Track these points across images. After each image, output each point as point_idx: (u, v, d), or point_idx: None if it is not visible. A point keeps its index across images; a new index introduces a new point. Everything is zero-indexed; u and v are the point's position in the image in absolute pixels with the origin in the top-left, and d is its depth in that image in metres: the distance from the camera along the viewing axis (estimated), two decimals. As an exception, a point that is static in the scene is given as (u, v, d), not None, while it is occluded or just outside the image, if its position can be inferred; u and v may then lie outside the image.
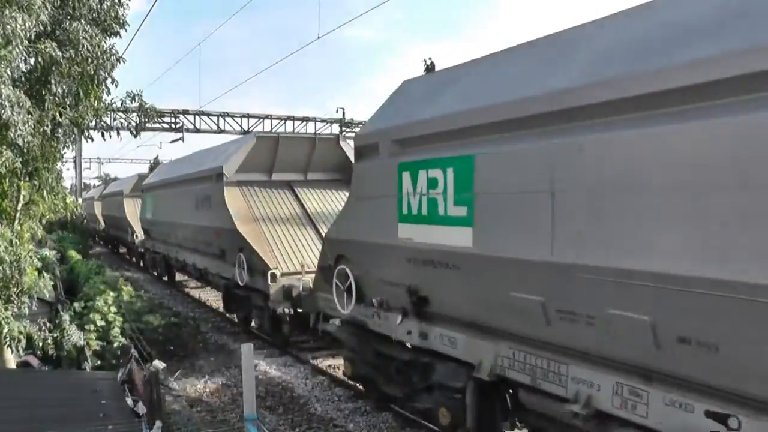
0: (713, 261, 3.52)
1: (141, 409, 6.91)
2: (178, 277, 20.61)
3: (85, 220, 36.37)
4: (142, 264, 24.78)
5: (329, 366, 10.32)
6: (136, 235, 23.43)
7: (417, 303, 6.27)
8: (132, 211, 24.55)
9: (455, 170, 5.52)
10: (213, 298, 18.39)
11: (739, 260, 3.38)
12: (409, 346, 6.74)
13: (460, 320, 5.82)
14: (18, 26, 5.77)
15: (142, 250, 23.27)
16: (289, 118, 40.36)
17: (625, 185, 4.02)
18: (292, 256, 10.97)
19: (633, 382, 4.15)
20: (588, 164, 4.26)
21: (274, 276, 10.39)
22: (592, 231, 4.23)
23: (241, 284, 11.64)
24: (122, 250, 31.51)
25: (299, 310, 10.30)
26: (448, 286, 5.84)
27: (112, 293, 11.85)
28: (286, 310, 10.43)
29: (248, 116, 39.47)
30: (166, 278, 20.63)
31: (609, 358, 4.30)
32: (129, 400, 6.99)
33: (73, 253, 21.24)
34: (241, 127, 38.94)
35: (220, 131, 38.58)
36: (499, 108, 5.14)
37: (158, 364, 7.05)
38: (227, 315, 14.21)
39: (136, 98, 9.48)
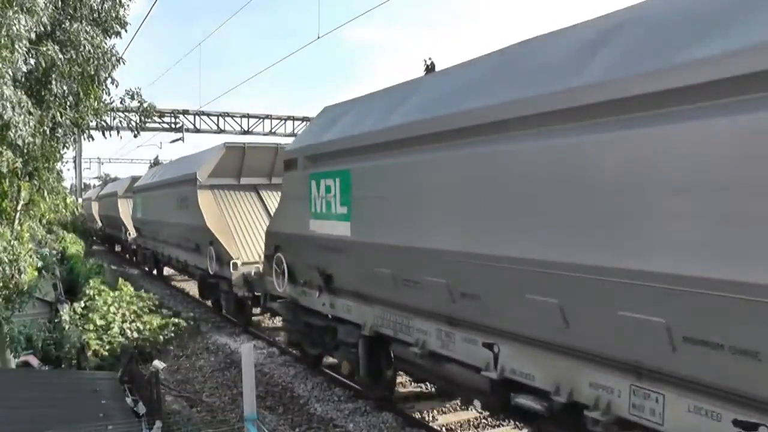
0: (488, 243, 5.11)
1: (141, 409, 6.91)
2: (166, 271, 22.21)
3: (85, 220, 36.44)
4: (135, 260, 26.37)
5: (329, 366, 10.33)
6: (129, 233, 25.06)
7: (326, 280, 8.10)
8: (125, 210, 26.04)
9: (340, 180, 7.48)
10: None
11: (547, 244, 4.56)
12: (324, 314, 8.52)
13: (352, 292, 7.64)
14: (22, 28, 5.79)
15: (134, 247, 25.05)
16: (289, 118, 40.28)
17: (426, 191, 5.95)
18: (252, 248, 12.78)
19: (442, 325, 6.03)
20: (404, 179, 6.33)
21: (235, 265, 12.33)
22: (412, 222, 6.16)
23: (211, 273, 13.65)
24: (117, 248, 32.72)
25: (257, 294, 11.87)
26: (341, 266, 7.75)
27: (112, 293, 11.86)
28: (246, 294, 12.33)
29: (248, 116, 39.37)
30: (155, 272, 22.34)
31: (433, 312, 6.11)
32: (129, 400, 7.00)
33: (71, 245, 21.19)
34: (241, 127, 38.89)
35: (220, 131, 38.52)
36: (364, 136, 7.10)
37: (158, 364, 7.06)
38: (201, 300, 16.37)
39: (136, 97, 9.48)
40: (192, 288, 18.59)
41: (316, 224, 8.05)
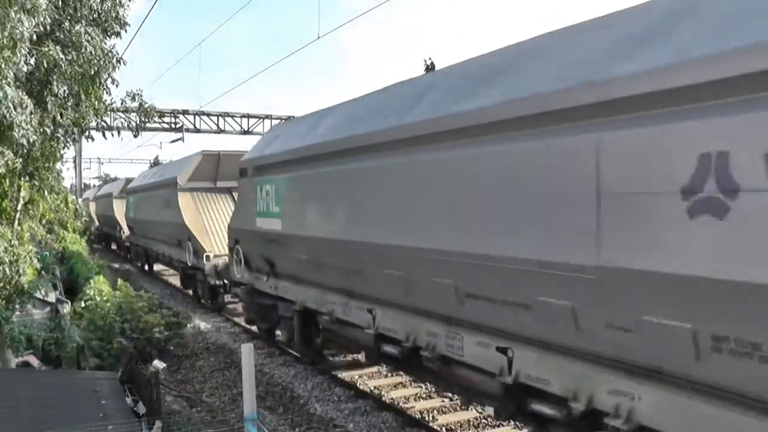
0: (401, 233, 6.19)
1: (141, 409, 6.91)
2: (156, 267, 23.64)
3: (85, 220, 36.38)
4: (129, 257, 28.06)
5: (329, 366, 10.33)
6: (123, 232, 26.88)
7: (270, 267, 9.89)
8: (120, 210, 27.67)
9: (275, 186, 9.40)
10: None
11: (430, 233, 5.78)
12: (271, 295, 10.16)
13: (288, 275, 9.40)
14: (25, 29, 5.79)
15: (128, 245, 26.99)
16: (289, 117, 40.30)
17: (328, 195, 7.80)
18: (224, 243, 13.87)
19: (343, 298, 7.68)
20: (314, 186, 8.16)
21: (208, 257, 14.35)
22: (319, 218, 8.11)
23: (189, 265, 15.71)
24: (113, 246, 34.28)
25: (226, 281, 14.02)
26: (279, 255, 9.50)
27: (112, 293, 11.87)
28: (217, 282, 14.54)
29: (248, 116, 39.33)
30: (146, 268, 23.87)
31: (337, 288, 7.81)
32: (129, 400, 7.00)
33: (73, 253, 21.25)
34: (241, 127, 38.87)
35: (220, 131, 38.49)
36: (287, 153, 9.14)
37: (158, 364, 7.06)
38: (183, 290, 18.29)
39: (136, 98, 9.49)
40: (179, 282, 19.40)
41: (261, 221, 9.90)
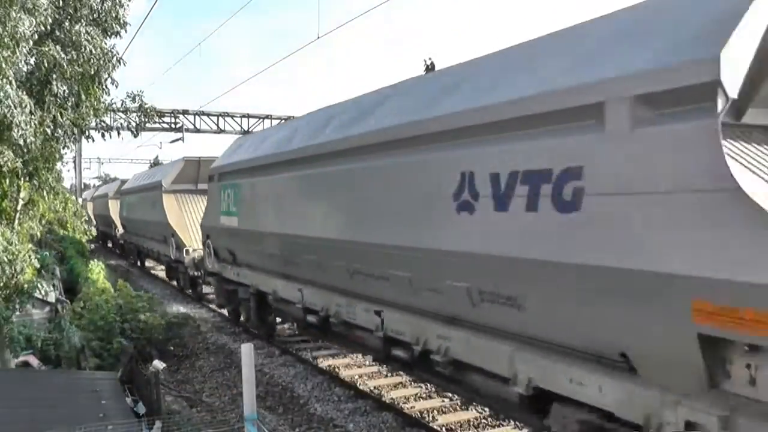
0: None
1: (141, 409, 6.92)
2: (148, 264, 25.64)
3: (85, 220, 36.41)
4: (122, 253, 30.28)
5: (329, 366, 10.34)
6: (117, 230, 28.72)
7: (233, 257, 11.94)
8: (114, 210, 29.33)
9: (234, 190, 11.19)
10: (212, 297, 18.41)
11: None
12: (234, 281, 12.21)
13: (246, 263, 11.45)
14: (26, 29, 5.78)
15: (122, 242, 28.95)
16: (289, 117, 40.29)
17: (269, 197, 9.76)
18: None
19: (281, 280, 9.76)
20: (258, 190, 10.19)
21: (188, 251, 15.99)
22: (261, 216, 10.00)
23: (173, 258, 17.54)
24: (110, 244, 36.17)
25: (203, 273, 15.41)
26: (238, 247, 11.53)
27: (112, 293, 11.86)
28: (196, 273, 16.07)
29: (248, 116, 39.32)
30: (138, 263, 25.83)
31: (277, 272, 9.88)
32: (129, 400, 7.00)
33: (73, 253, 21.27)
34: (241, 127, 38.83)
35: (220, 131, 38.46)
36: (240, 163, 11.12)
37: (158, 364, 7.07)
38: (169, 281, 20.45)
39: (137, 99, 9.47)
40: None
41: (224, 219, 11.81)
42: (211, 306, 16.28)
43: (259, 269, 10.80)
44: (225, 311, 14.32)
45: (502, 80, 5.34)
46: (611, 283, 3.99)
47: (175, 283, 19.84)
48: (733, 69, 3.50)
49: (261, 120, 39.60)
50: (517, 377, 5.03)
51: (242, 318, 12.87)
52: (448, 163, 5.43)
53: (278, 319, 11.93)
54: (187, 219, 17.35)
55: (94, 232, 18.37)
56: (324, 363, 10.50)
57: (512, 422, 7.72)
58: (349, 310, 7.64)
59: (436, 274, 5.77)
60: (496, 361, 5.31)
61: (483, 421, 7.80)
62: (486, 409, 8.16)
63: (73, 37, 7.12)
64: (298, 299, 9.00)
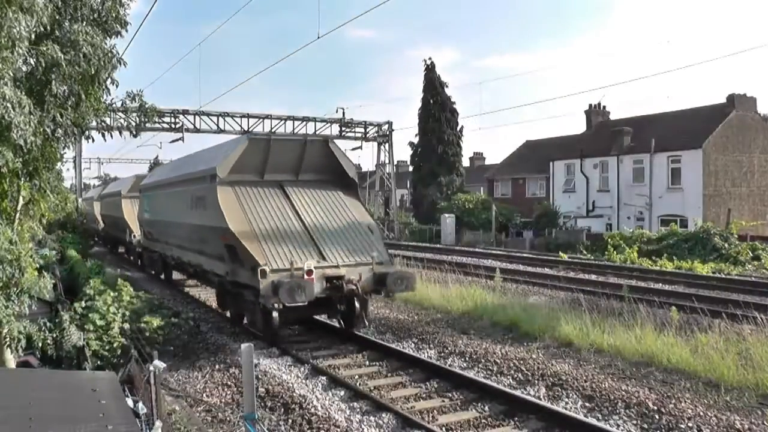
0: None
1: (141, 409, 6.91)
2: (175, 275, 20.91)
3: (85, 220, 36.01)
4: (140, 263, 25.36)
5: (329, 366, 10.33)
6: (134, 235, 24.18)
7: (152, 236, 20.08)
8: (130, 211, 25.16)
9: (148, 198, 20.31)
10: (213, 298, 18.40)
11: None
12: (155, 250, 20.57)
13: (156, 239, 19.95)
14: (22, 28, 5.77)
15: (140, 250, 24.07)
16: (289, 118, 40.28)
17: (151, 205, 20.28)
18: (283, 254, 11.21)
19: (167, 246, 18.94)
20: (149, 201, 20.56)
21: (263, 272, 10.47)
22: (151, 213, 19.91)
23: (230, 281, 13.62)
24: (120, 249, 31.42)
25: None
26: (152, 230, 20.26)
27: (112, 293, 11.86)
28: (280, 306, 11.19)
29: (248, 116, 39.33)
30: (162, 276, 21.32)
31: (164, 241, 18.99)
32: (129, 400, 6.99)
33: (73, 253, 21.31)
34: (241, 127, 38.84)
35: (220, 131, 38.46)
36: (150, 184, 20.80)
37: (158, 364, 7.05)
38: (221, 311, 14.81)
39: (137, 98, 9.46)
40: (205, 294, 18.79)
41: (146, 215, 20.29)
42: (214, 306, 16.19)
43: (160, 241, 19.25)
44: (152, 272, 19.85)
45: (185, 166, 15.91)
46: (208, 230, 12.57)
47: (231, 317, 13.83)
48: (222, 169, 12.22)
49: (261, 120, 39.60)
50: (193, 263, 15.45)
51: (154, 272, 22.44)
52: (184, 191, 14.51)
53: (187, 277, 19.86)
54: (255, 224, 11.67)
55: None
56: (324, 363, 10.50)
57: (512, 422, 7.73)
58: (182, 254, 16.58)
59: (185, 233, 15.00)
60: (196, 262, 14.94)
61: (483, 421, 7.80)
62: (486, 409, 8.17)
63: (72, 37, 7.11)
64: (172, 254, 17.74)
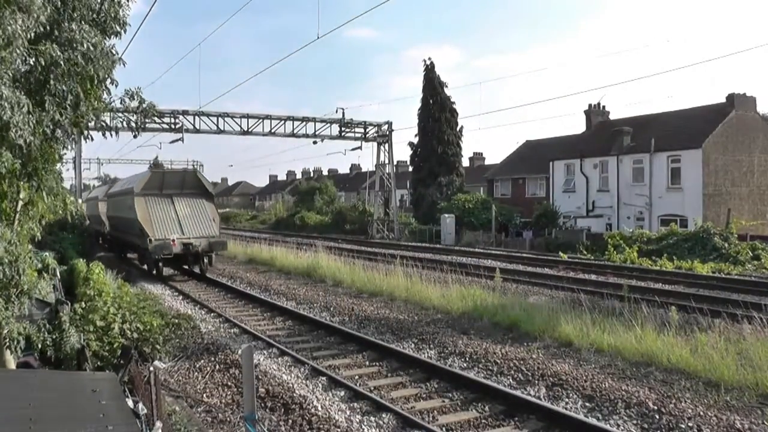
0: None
1: (141, 409, 6.90)
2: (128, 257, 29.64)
3: (88, 223, 35.84)
4: (109, 247, 33.42)
5: (329, 366, 10.33)
6: (105, 227, 32.14)
7: (108, 223, 30.97)
8: (103, 210, 32.80)
9: (106, 204, 31.45)
10: (213, 298, 18.41)
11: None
12: (106, 233, 32.03)
13: (113, 225, 29.69)
14: (19, 28, 5.75)
15: (109, 238, 32.46)
16: (288, 118, 40.18)
17: (109, 208, 31.66)
18: (163, 230, 21.93)
19: (117, 232, 30.22)
20: (108, 205, 31.41)
21: (151, 240, 21.39)
22: (112, 211, 30.01)
23: (142, 247, 22.77)
24: (100, 240, 36.10)
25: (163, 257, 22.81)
26: (110, 221, 30.33)
27: (112, 293, 11.85)
28: (158, 257, 21.86)
29: (248, 116, 39.24)
30: (122, 255, 29.64)
31: (121, 230, 28.72)
32: (129, 401, 6.98)
33: (74, 254, 21.31)
34: (241, 128, 38.78)
35: (220, 131, 38.41)
36: (93, 196, 38.57)
37: (158, 364, 7.05)
38: (140, 265, 25.88)
39: (135, 96, 9.41)
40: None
41: (105, 212, 31.00)
42: (209, 306, 16.47)
43: (109, 227, 29.14)
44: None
45: (120, 185, 29.33)
46: (132, 220, 22.37)
47: (145, 266, 24.19)
48: (137, 188, 22.82)
49: (260, 120, 39.52)
50: (127, 240, 26.64)
51: (109, 247, 32.00)
52: (122, 199, 24.63)
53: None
54: (152, 216, 22.12)
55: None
56: (324, 363, 10.50)
57: (512, 422, 7.73)
58: (122, 236, 26.41)
59: (120, 224, 26.22)
60: (128, 239, 25.57)
61: (483, 421, 7.79)
62: (486, 409, 8.17)
63: (70, 36, 7.09)
64: (119, 236, 26.44)
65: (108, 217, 31.02)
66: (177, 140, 38.16)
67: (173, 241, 21.32)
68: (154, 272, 22.33)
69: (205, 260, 22.47)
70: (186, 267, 23.79)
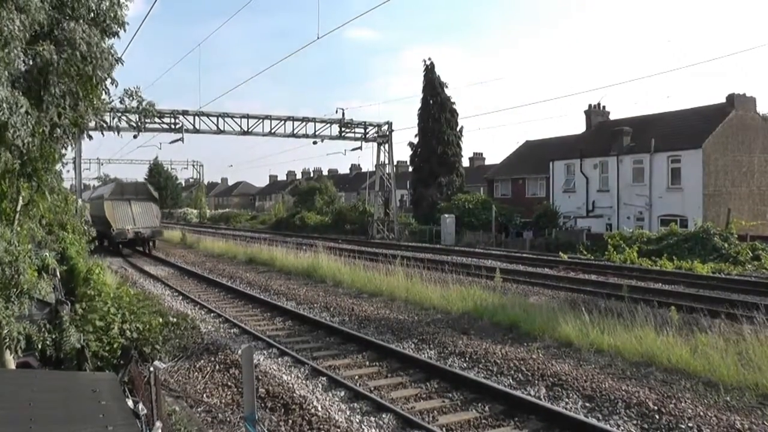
0: None
1: (141, 409, 6.89)
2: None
3: (91, 226, 36.56)
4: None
5: (329, 367, 10.33)
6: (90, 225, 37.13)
7: (99, 223, 31.94)
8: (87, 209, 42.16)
9: (94, 205, 34.58)
10: (213, 298, 18.42)
11: None
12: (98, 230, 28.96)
13: (101, 222, 32.51)
14: (16, 28, 5.74)
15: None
16: (288, 118, 40.17)
17: (94, 208, 35.86)
18: (124, 224, 33.36)
19: (104, 226, 35.72)
20: (93, 206, 35.43)
21: (113, 230, 32.34)
22: (98, 211, 36.41)
23: (110, 234, 33.23)
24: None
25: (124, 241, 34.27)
26: (97, 220, 31.85)
27: (112, 293, 11.85)
28: (119, 241, 33.61)
29: (248, 117, 39.24)
30: (101, 243, 34.86)
31: (103, 222, 35.99)
32: (129, 401, 6.97)
33: (74, 253, 21.27)
34: (241, 128, 38.79)
35: (220, 132, 38.42)
36: (93, 197, 43.69)
37: (158, 364, 7.04)
38: (102, 245, 32.22)
39: (134, 95, 9.38)
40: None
41: (93, 211, 31.44)
42: (208, 306, 16.45)
43: (99, 223, 28.47)
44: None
45: (98, 191, 41.76)
46: (104, 218, 32.94)
47: (110, 248, 34.75)
48: (106, 194, 36.64)
49: (260, 120, 39.53)
50: (104, 231, 32.64)
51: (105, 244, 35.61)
52: (98, 202, 34.41)
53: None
54: (116, 214, 33.54)
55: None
56: (324, 364, 10.50)
57: (512, 422, 7.73)
58: (98, 229, 22.55)
59: (96, 219, 29.90)
60: (103, 230, 31.56)
61: (483, 421, 7.79)
62: (486, 409, 8.17)
63: (69, 35, 7.08)
64: (98, 230, 22.74)
65: (90, 215, 38.12)
66: (177, 140, 38.16)
67: (128, 230, 32.81)
68: (120, 250, 34.34)
69: (150, 243, 34.50)
70: (139, 248, 35.03)
